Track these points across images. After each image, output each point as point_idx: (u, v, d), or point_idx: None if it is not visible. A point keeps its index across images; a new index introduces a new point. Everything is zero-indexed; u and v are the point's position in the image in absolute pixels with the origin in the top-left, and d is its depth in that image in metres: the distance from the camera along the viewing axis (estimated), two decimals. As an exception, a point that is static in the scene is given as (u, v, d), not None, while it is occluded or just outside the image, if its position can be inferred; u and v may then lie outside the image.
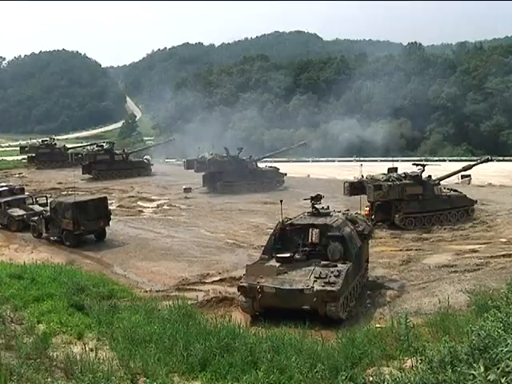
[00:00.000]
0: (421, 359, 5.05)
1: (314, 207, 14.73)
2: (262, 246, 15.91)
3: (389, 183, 22.69)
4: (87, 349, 8.86)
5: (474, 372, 3.64)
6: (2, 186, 26.24)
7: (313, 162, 55.80)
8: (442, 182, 24.76)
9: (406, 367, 6.52)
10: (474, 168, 27.23)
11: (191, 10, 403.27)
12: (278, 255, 13.30)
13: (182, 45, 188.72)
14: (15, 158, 60.01)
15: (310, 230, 13.61)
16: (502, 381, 3.53)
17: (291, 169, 41.12)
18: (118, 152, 44.99)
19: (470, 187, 31.85)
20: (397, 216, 22.56)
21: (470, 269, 15.87)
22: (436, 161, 44.89)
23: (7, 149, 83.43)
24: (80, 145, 59.93)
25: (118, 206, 29.23)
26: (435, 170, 25.48)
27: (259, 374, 7.29)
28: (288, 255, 13.21)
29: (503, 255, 17.22)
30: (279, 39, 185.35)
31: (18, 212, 23.92)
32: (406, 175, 23.46)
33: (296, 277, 12.41)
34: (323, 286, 11.89)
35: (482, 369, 3.55)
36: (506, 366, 3.63)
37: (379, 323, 11.31)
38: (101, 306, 11.35)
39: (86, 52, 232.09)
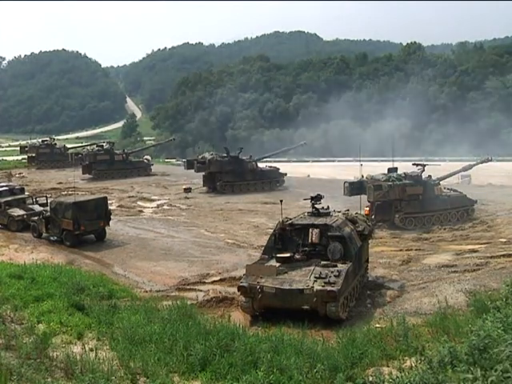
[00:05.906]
0: (420, 359, 5.05)
1: (313, 207, 14.74)
2: (261, 246, 15.92)
3: (389, 183, 22.69)
4: (87, 349, 8.87)
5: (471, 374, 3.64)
6: (2, 186, 26.20)
7: (313, 162, 55.81)
8: (441, 182, 24.76)
9: (405, 367, 6.52)
10: (473, 168, 27.23)
11: (191, 10, 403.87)
12: (278, 255, 13.29)
13: (182, 45, 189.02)
14: (15, 157, 60.02)
15: (310, 230, 13.60)
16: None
17: (291, 169, 41.09)
18: (117, 152, 44.93)
19: (470, 187, 31.81)
20: (397, 216, 22.58)
21: (470, 269, 15.85)
22: (436, 161, 44.84)
23: (7, 149, 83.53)
24: (80, 145, 59.88)
25: (118, 206, 29.19)
26: (435, 169, 25.43)
27: (259, 374, 7.29)
28: (288, 255, 13.21)
29: (503, 255, 17.17)
30: (279, 39, 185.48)
31: (18, 212, 23.87)
32: (406, 175, 23.46)
33: (296, 277, 12.40)
34: (323, 286, 11.88)
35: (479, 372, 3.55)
36: (505, 369, 3.63)
37: (379, 323, 11.30)
38: (101, 306, 11.35)
39: (86, 52, 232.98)
